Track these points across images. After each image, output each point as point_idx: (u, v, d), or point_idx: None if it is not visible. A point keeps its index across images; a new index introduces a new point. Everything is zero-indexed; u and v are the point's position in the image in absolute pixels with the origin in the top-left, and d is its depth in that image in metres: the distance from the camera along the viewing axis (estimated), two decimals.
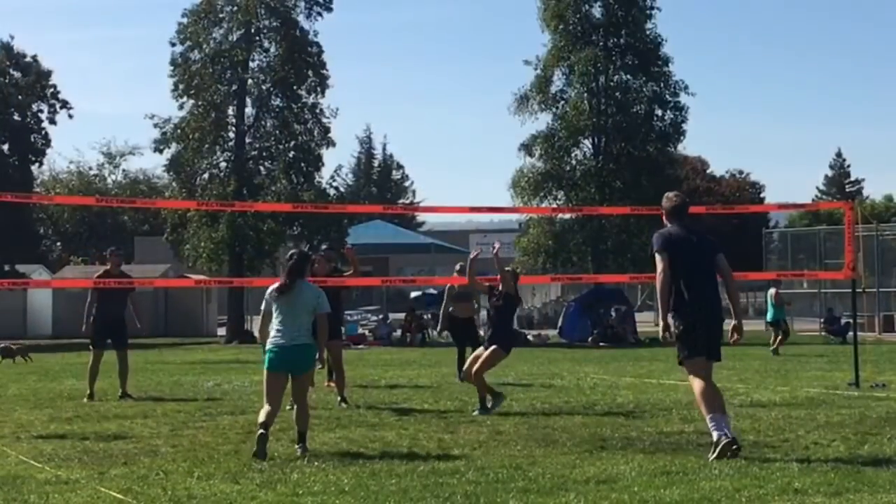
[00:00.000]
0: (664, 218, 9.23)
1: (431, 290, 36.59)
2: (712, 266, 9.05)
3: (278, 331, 9.57)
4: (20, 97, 43.92)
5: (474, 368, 12.48)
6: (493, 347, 12.50)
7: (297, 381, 9.65)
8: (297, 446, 9.43)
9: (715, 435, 8.54)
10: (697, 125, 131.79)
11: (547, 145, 39.13)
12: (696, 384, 8.74)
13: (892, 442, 9.38)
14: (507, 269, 13.13)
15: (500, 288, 12.81)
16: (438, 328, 20.54)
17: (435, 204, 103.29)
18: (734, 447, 8.47)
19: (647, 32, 39.67)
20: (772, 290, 25.87)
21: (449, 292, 17.24)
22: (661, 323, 8.92)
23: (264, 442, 9.08)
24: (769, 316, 25.97)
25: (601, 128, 38.98)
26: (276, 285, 9.79)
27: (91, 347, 14.97)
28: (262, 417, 9.27)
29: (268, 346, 9.59)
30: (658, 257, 8.82)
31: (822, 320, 33.52)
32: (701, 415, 9.05)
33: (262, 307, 9.87)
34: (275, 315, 9.65)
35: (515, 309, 13.53)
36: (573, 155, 39.71)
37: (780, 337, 24.49)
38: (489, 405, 12.38)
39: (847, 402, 13.01)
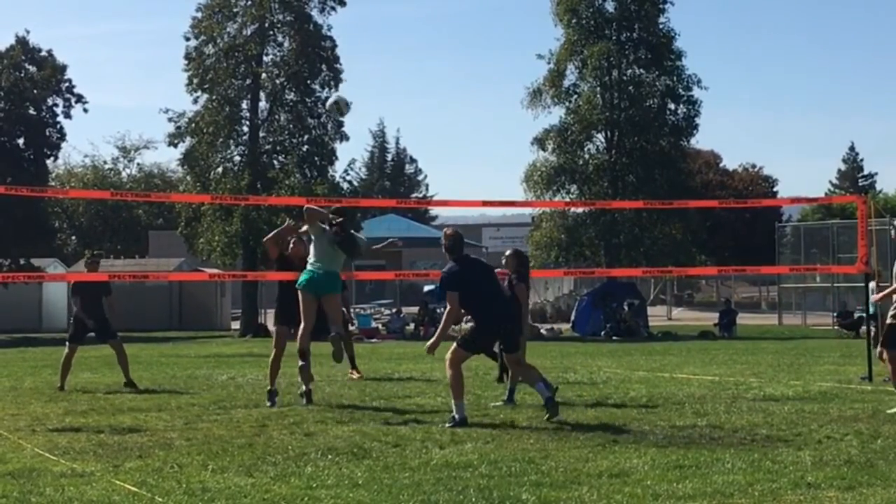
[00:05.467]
0: (446, 252, 10.97)
1: None
2: (494, 284, 10.97)
3: (314, 262, 11.84)
4: (35, 91, 43.96)
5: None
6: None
7: (326, 300, 11.83)
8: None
9: (458, 416, 10.35)
10: (710, 119, 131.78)
11: (560, 139, 39.13)
12: (452, 370, 10.53)
13: None
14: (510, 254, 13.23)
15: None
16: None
17: (448, 198, 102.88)
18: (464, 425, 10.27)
19: (660, 26, 39.62)
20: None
21: None
22: (434, 339, 10.69)
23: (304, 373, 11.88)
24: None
25: (614, 122, 38.95)
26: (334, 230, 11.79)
27: (68, 342, 15.59)
28: (300, 343, 11.74)
29: (307, 269, 11.88)
30: (449, 296, 10.64)
31: (835, 314, 33.43)
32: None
33: (306, 229, 12.06)
34: (314, 249, 11.84)
35: None
36: (586, 149, 39.71)
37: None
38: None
39: (860, 396, 13.01)
